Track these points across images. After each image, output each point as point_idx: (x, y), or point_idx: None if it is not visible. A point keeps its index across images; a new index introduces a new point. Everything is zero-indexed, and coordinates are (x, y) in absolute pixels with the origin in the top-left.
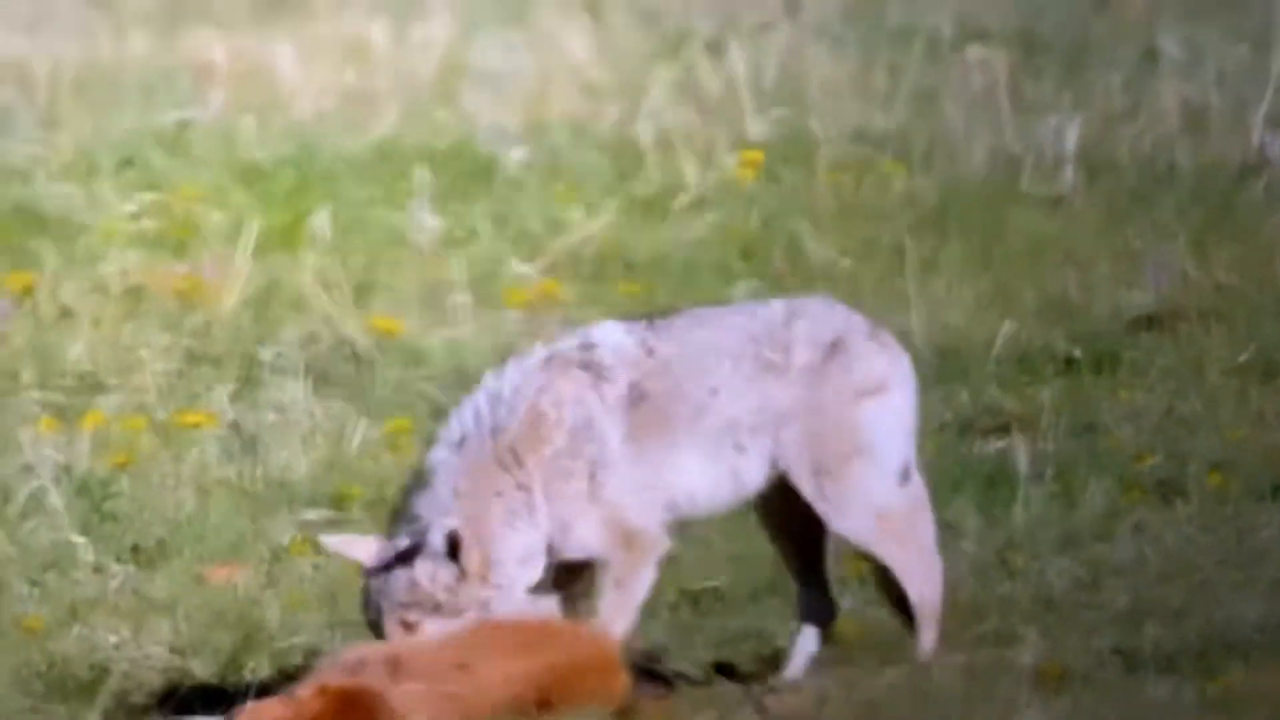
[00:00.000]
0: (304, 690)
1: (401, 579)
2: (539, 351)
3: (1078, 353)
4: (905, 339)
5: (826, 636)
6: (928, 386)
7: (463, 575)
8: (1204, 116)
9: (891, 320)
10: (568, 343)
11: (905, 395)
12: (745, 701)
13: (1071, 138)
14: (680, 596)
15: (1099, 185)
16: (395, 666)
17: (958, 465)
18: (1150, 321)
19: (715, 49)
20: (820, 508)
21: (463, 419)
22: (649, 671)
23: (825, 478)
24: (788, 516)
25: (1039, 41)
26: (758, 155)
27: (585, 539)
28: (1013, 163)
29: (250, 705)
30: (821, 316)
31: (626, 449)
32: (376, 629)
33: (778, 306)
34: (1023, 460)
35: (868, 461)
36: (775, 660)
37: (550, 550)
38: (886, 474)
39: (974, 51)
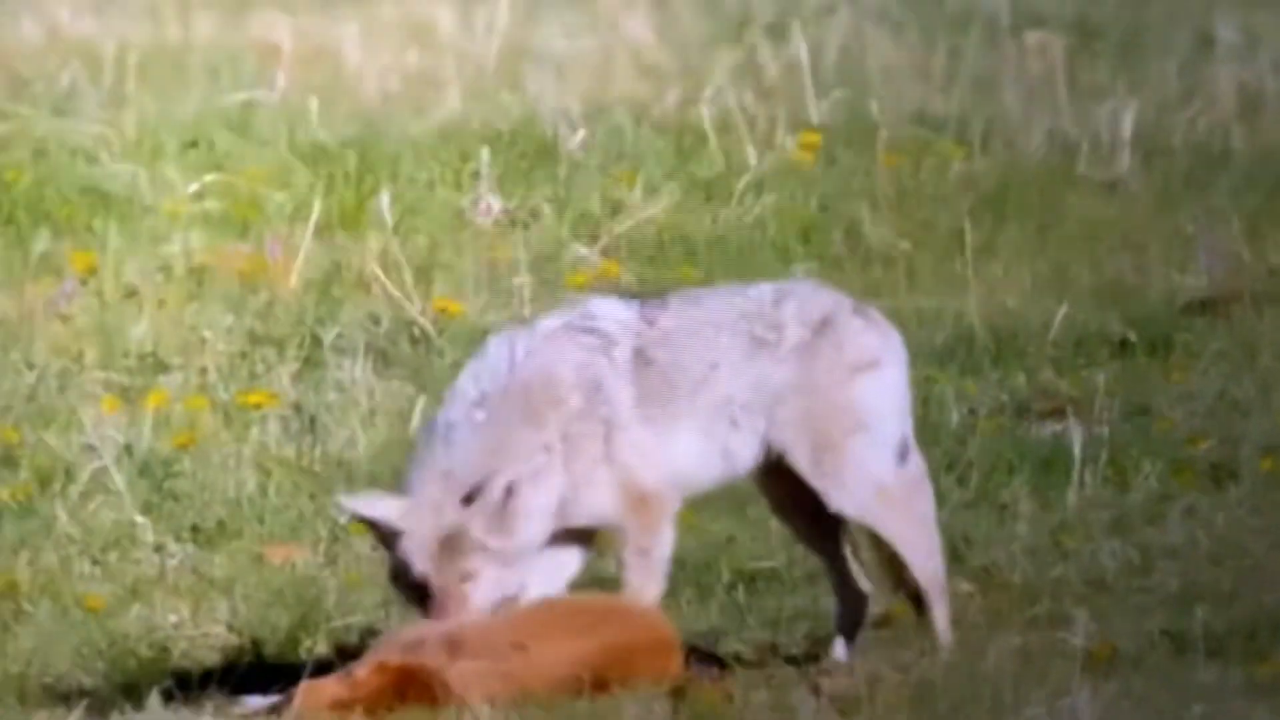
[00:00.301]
0: (361, 668)
1: (456, 529)
2: (544, 321)
3: (1132, 336)
4: (962, 322)
5: (860, 620)
6: (984, 370)
7: (509, 526)
8: (1259, 101)
9: (949, 303)
10: (570, 313)
11: (898, 371)
12: (799, 682)
13: (1127, 122)
14: (736, 577)
15: (1154, 169)
16: (453, 645)
17: (1013, 448)
18: (1204, 305)
19: (777, 32)
20: (818, 485)
21: (479, 381)
22: (704, 652)
23: (822, 454)
24: (798, 502)
25: (1095, 27)
26: (817, 138)
27: (599, 503)
28: (1069, 147)
29: (307, 683)
30: (809, 297)
31: (637, 412)
32: (418, 589)
33: (766, 288)
34: (1077, 443)
35: (864, 437)
36: (829, 641)
37: (559, 515)
38: (884, 450)
39: (1032, 37)
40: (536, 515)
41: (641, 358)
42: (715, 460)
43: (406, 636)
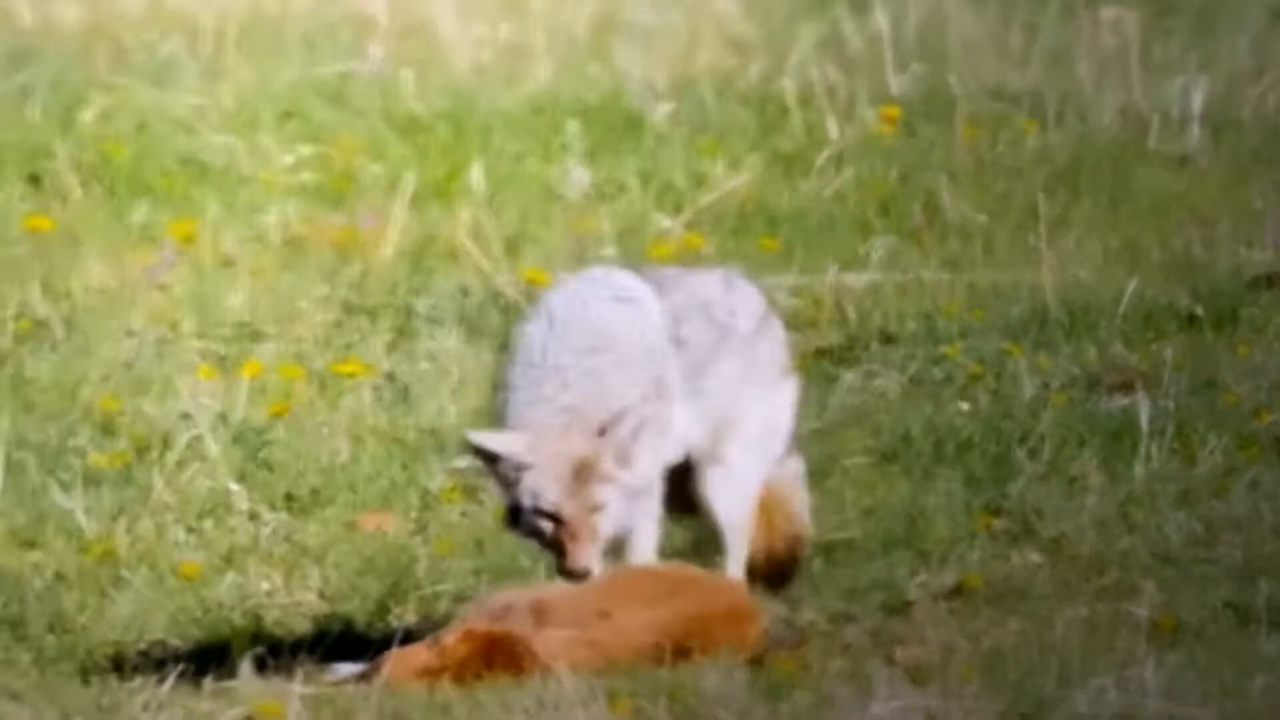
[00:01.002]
0: (449, 636)
1: (587, 461)
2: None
3: (1199, 310)
4: (1036, 296)
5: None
6: (1057, 343)
7: (633, 460)
8: None
9: (1024, 276)
10: (603, 282)
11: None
12: (874, 651)
13: (1198, 97)
14: (813, 549)
15: (1224, 144)
16: (539, 612)
17: (1083, 421)
18: (1270, 280)
19: (859, 5)
20: (710, 471)
21: (570, 330)
22: (782, 621)
23: (727, 446)
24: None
25: (1169, 2)
26: (897, 111)
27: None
28: (1141, 121)
29: (396, 651)
30: (749, 287)
31: (682, 387)
32: (546, 521)
33: (715, 274)
34: (1144, 416)
35: (764, 444)
36: (904, 610)
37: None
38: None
39: (1106, 11)
40: (652, 452)
41: (671, 333)
42: (680, 443)
43: (493, 604)
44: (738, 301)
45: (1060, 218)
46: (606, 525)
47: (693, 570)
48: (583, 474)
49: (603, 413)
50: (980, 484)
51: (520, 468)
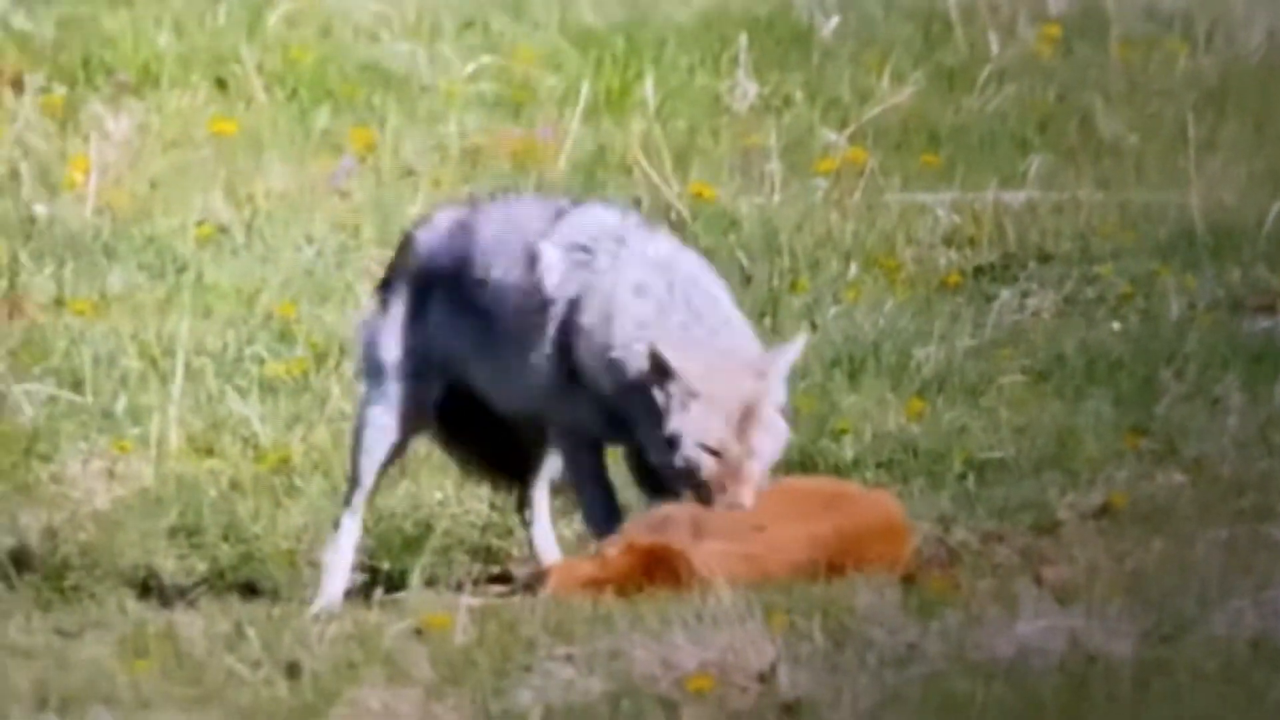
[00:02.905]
0: (612, 548)
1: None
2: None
3: None
4: (1184, 216)
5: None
6: (1203, 264)
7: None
8: None
9: (1172, 197)
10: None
11: None
12: (1023, 570)
13: None
14: (966, 467)
15: None
16: (697, 526)
17: (1226, 343)
18: None
19: None
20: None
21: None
22: (934, 539)
23: None
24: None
25: None
26: (1056, 30)
27: None
28: None
29: (563, 561)
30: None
31: None
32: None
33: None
34: None
35: None
36: (1053, 530)
37: None
38: None
39: None
40: None
41: None
42: None
43: (654, 517)
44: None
45: (1208, 140)
46: (761, 472)
47: (848, 486)
48: (749, 415)
49: (758, 359)
50: (1128, 404)
51: (691, 394)
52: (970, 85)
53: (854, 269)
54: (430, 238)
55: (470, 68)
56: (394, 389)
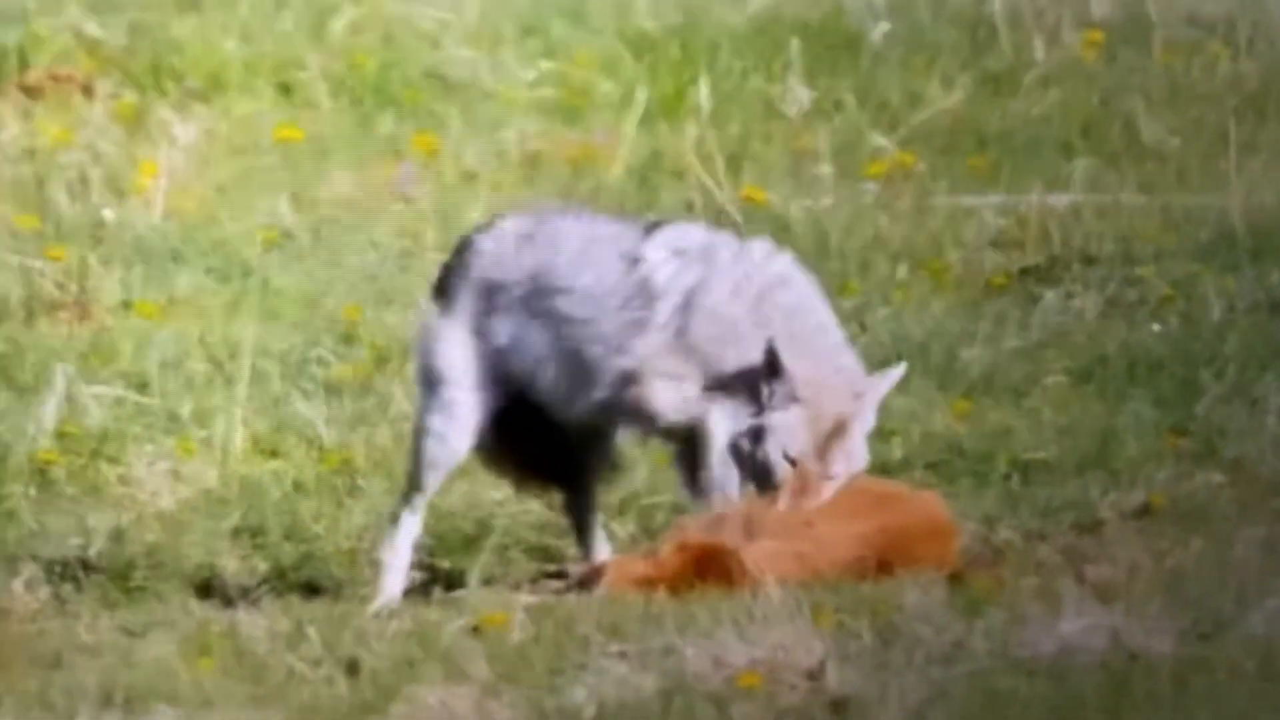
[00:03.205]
0: (665, 547)
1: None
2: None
3: None
4: (1224, 219)
5: None
6: (1242, 266)
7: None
8: None
9: (1213, 200)
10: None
11: None
12: (1065, 569)
13: None
14: (1011, 467)
15: None
16: (749, 525)
17: (1265, 344)
18: None
19: None
20: None
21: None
22: (980, 539)
23: None
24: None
25: None
26: (1100, 35)
27: None
28: None
29: (616, 560)
30: None
31: None
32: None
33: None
34: None
35: None
36: (1094, 530)
37: None
38: None
39: None
40: None
41: None
42: None
43: (707, 517)
44: None
45: (1249, 143)
46: (830, 491)
47: (896, 486)
48: (837, 434)
49: (859, 380)
50: (1168, 405)
51: (792, 398)
52: (1016, 90)
53: (903, 271)
54: (495, 246)
55: (530, 74)
56: (458, 399)
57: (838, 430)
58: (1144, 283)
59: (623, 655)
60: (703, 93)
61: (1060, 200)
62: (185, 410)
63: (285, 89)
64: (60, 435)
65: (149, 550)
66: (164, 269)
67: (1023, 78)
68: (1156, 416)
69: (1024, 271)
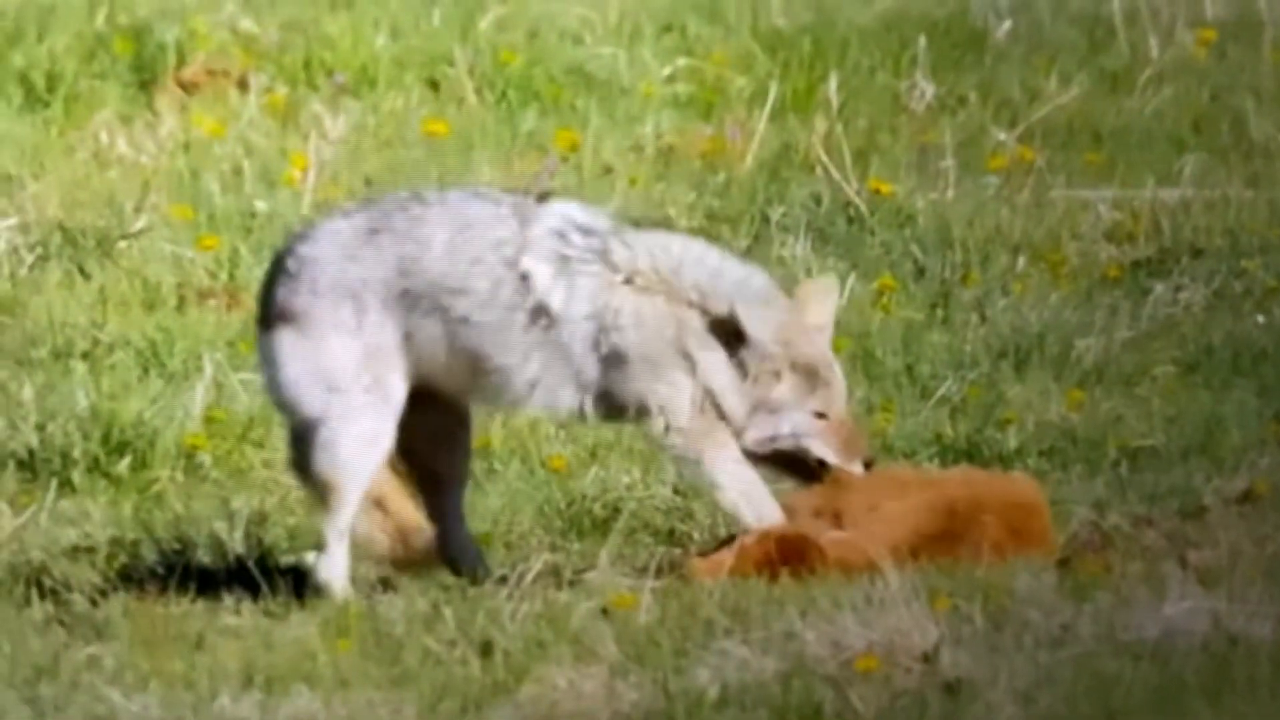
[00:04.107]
0: (749, 537)
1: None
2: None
3: None
4: None
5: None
6: None
7: None
8: None
9: None
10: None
11: None
12: (1169, 554)
13: None
14: (1120, 454)
15: None
16: (821, 513)
17: None
18: None
19: None
20: None
21: None
22: (1090, 525)
23: None
24: None
25: None
26: (1212, 34)
27: None
28: None
29: (701, 552)
30: None
31: None
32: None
33: None
34: None
35: None
36: (1198, 515)
37: None
38: None
39: None
40: None
41: None
42: None
43: (786, 504)
44: None
45: None
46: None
47: (976, 471)
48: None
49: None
50: (1271, 394)
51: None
52: (1131, 87)
53: (1021, 263)
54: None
55: (667, 70)
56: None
57: (822, 371)
58: (1250, 275)
59: (745, 639)
60: (832, 88)
61: (1171, 195)
62: None
63: (433, 84)
64: (208, 420)
65: (291, 534)
66: None
67: (1137, 75)
68: (1260, 405)
69: (1135, 264)
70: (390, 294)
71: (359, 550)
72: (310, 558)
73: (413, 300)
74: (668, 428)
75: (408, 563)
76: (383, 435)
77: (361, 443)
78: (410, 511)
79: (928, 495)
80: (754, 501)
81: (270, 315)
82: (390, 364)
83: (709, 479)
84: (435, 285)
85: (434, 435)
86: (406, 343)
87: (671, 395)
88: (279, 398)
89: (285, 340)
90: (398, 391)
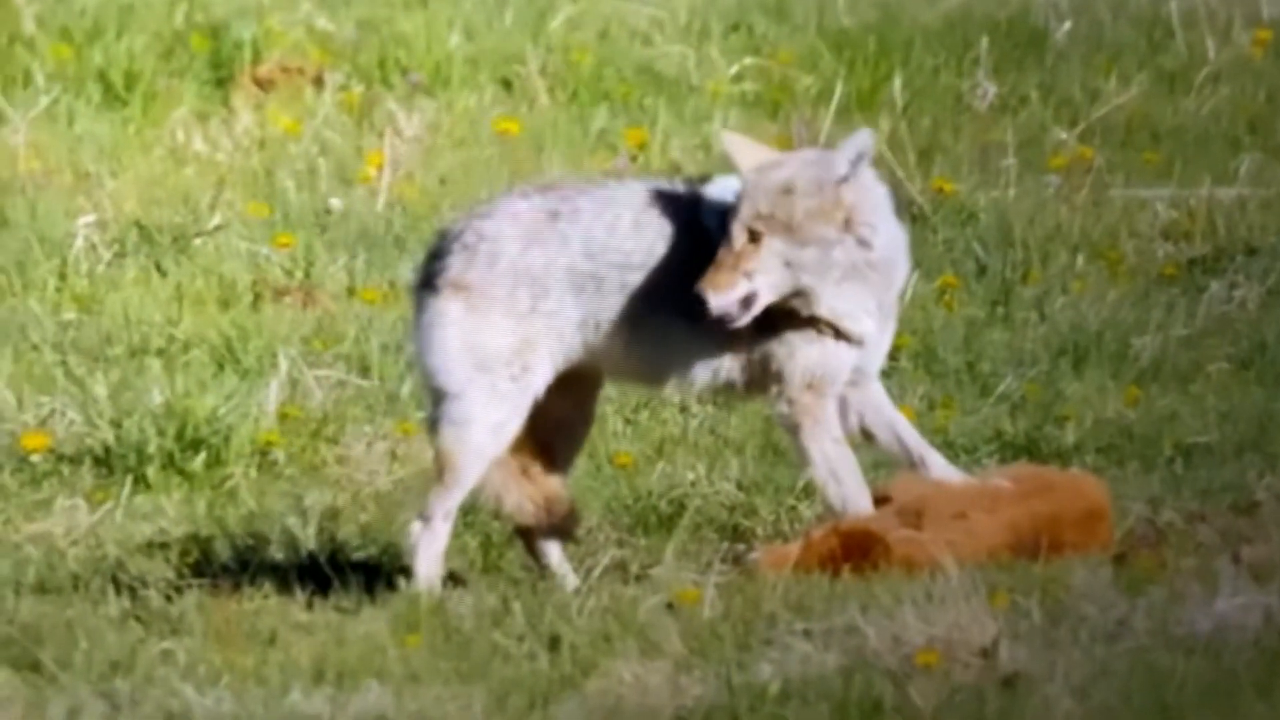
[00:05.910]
0: (818, 531)
1: (775, 185)
2: None
3: None
4: None
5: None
6: None
7: (836, 216)
8: None
9: None
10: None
11: None
12: (1222, 550)
13: None
14: (1175, 450)
15: None
16: (906, 513)
17: None
18: None
19: None
20: None
21: None
22: (1145, 521)
23: None
24: None
25: None
26: (1269, 34)
27: None
28: None
29: (772, 547)
30: None
31: None
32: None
33: None
34: None
35: None
36: (1251, 511)
37: None
38: None
39: None
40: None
41: None
42: None
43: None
44: None
45: None
46: None
47: (1050, 472)
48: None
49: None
50: None
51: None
52: (1188, 87)
53: (1080, 261)
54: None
55: (734, 69)
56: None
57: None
58: None
59: (807, 633)
60: (896, 87)
61: (1227, 194)
62: (404, 392)
63: (505, 83)
64: (282, 417)
65: (363, 529)
66: (387, 256)
67: (1195, 75)
68: None
69: (1191, 262)
70: (574, 278)
71: (507, 518)
72: (415, 530)
73: (597, 283)
74: (779, 394)
75: (552, 530)
76: (512, 425)
77: (492, 429)
78: (554, 482)
79: (1016, 513)
80: (843, 484)
81: (439, 283)
82: (543, 355)
83: (803, 452)
84: (621, 266)
85: (558, 424)
86: (582, 327)
87: (786, 360)
88: (427, 363)
89: (451, 309)
90: (540, 384)
